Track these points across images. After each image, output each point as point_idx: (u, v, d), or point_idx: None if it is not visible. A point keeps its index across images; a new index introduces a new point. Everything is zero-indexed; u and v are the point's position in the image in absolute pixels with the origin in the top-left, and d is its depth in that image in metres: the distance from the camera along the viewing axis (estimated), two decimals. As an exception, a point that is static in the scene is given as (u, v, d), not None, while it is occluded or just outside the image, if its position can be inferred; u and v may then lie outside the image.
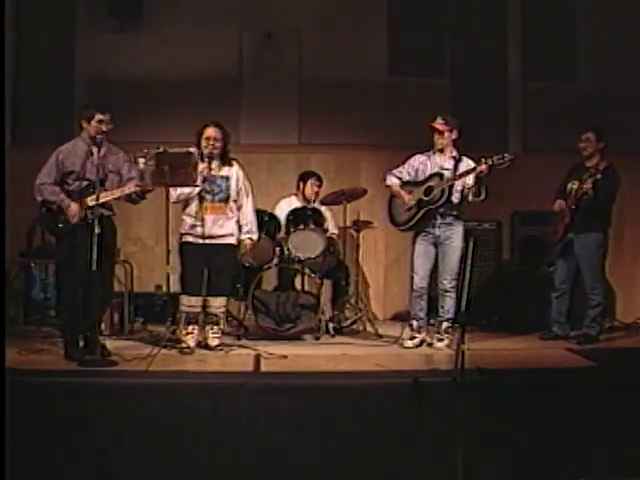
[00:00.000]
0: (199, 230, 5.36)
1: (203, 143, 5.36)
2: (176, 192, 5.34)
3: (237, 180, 5.51)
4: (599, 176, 5.66)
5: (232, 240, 5.50)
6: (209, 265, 5.44)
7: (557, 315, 6.04)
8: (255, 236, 5.63)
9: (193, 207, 5.40)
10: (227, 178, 5.45)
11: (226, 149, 5.47)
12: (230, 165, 5.50)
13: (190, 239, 5.41)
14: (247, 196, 5.57)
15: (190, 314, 5.43)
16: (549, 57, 7.60)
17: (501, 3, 7.65)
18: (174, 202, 5.44)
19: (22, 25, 7.26)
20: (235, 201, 5.52)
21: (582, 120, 6.48)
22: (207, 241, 5.36)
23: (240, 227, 5.55)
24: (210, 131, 5.37)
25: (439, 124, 5.64)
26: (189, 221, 5.41)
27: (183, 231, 5.46)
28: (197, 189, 5.29)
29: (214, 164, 5.41)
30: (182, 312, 5.46)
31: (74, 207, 4.94)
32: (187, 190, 5.30)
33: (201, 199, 5.37)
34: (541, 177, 7.08)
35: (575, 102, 7.48)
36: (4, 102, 6.03)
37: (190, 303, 5.42)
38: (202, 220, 5.34)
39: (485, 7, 7.58)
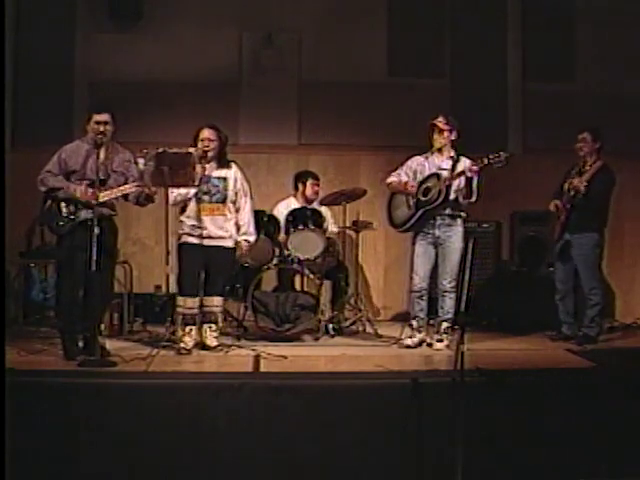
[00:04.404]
0: (198, 231, 5.40)
1: (199, 145, 5.42)
2: (173, 195, 5.37)
3: (235, 181, 5.54)
4: (593, 172, 5.66)
5: (230, 242, 5.54)
6: (207, 266, 5.48)
7: (565, 316, 5.99)
8: (252, 238, 5.66)
9: (191, 208, 5.44)
10: (224, 179, 5.49)
11: (223, 151, 5.52)
12: (228, 167, 5.54)
13: (189, 240, 5.45)
14: (245, 197, 5.60)
15: (187, 315, 5.44)
16: (549, 57, 7.60)
17: (501, 3, 7.66)
18: (172, 205, 5.45)
19: (22, 25, 7.26)
20: (234, 202, 5.56)
21: (582, 120, 6.47)
22: (205, 242, 5.40)
23: (238, 228, 5.58)
24: (205, 132, 5.45)
25: (440, 122, 5.63)
26: (188, 222, 5.45)
27: (182, 232, 5.50)
28: (193, 190, 5.34)
29: (210, 165, 5.45)
30: (179, 313, 5.48)
31: (80, 190, 4.93)
32: (183, 192, 5.35)
33: (199, 200, 5.42)
34: (541, 177, 7.09)
35: (575, 102, 7.48)
36: (4, 102, 6.03)
37: (187, 304, 5.44)
38: (200, 221, 5.39)
39: (485, 7, 7.58)
